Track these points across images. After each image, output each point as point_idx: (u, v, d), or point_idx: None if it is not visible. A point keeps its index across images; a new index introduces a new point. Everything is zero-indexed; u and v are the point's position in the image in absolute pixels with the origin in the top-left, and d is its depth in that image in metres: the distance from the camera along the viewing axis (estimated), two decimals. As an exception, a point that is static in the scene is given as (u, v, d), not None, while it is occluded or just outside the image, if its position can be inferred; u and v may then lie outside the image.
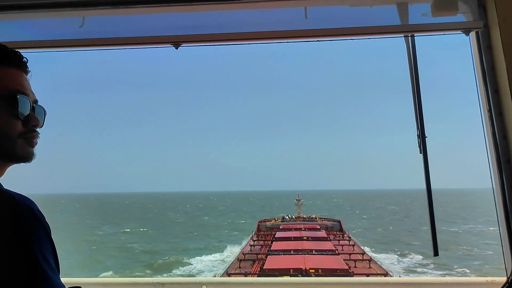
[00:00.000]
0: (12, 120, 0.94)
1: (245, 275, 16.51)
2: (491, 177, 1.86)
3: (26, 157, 0.98)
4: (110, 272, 24.35)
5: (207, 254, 32.40)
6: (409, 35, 1.99)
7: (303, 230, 28.48)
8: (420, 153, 1.97)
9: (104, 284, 2.08)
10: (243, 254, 21.84)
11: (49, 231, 0.86)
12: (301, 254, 19.91)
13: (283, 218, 37.71)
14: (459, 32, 1.91)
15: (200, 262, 29.62)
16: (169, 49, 2.00)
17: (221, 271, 19.21)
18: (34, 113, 0.99)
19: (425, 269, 26.26)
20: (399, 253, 32.80)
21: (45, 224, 0.85)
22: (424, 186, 1.98)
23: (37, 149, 1.01)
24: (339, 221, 33.58)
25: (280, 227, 31.12)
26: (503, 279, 1.87)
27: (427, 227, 1.98)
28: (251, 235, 29.92)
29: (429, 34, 1.97)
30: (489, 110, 1.85)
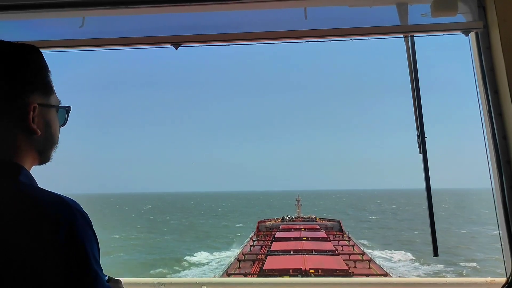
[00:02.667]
0: (59, 128, 1.01)
1: (245, 275, 16.51)
2: (490, 178, 1.86)
3: (48, 161, 1.02)
4: None
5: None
6: (409, 36, 1.99)
7: (302, 231, 28.51)
8: (420, 153, 1.97)
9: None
10: (242, 254, 21.85)
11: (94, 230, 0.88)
12: (301, 254, 19.93)
13: (283, 218, 37.73)
14: (458, 32, 1.90)
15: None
16: (169, 49, 2.00)
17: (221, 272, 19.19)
18: None
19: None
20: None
21: (91, 224, 0.86)
22: (424, 186, 1.98)
23: None
24: (338, 221, 33.64)
25: (280, 227, 31.17)
26: (503, 280, 1.87)
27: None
28: (250, 235, 29.92)
29: (428, 34, 1.97)
30: (489, 111, 1.85)
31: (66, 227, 0.79)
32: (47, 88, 0.96)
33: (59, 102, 1.01)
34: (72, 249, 0.79)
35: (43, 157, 0.98)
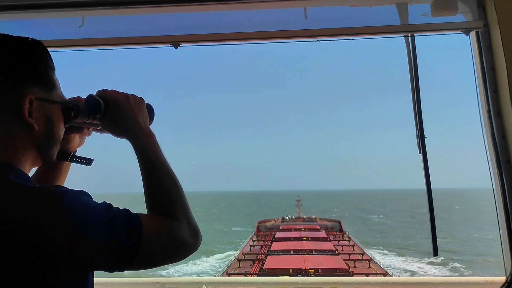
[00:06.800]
0: (63, 127, 0.98)
1: (245, 275, 16.50)
2: (490, 177, 1.86)
3: (52, 160, 0.98)
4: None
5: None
6: (409, 35, 1.99)
7: (303, 231, 28.49)
8: (420, 153, 1.97)
9: (104, 284, 2.08)
10: (242, 254, 21.83)
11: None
12: (301, 254, 19.91)
13: (283, 218, 37.72)
14: (459, 32, 1.90)
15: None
16: (168, 49, 2.00)
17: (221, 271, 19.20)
18: None
19: None
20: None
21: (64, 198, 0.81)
22: (424, 186, 1.98)
23: None
24: (339, 222, 33.63)
25: (280, 228, 31.14)
26: (503, 279, 1.87)
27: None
28: (250, 235, 29.91)
29: (429, 34, 1.97)
30: (488, 110, 1.85)
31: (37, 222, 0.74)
32: (49, 83, 0.92)
33: (65, 100, 0.98)
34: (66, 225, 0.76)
35: (45, 156, 0.93)
